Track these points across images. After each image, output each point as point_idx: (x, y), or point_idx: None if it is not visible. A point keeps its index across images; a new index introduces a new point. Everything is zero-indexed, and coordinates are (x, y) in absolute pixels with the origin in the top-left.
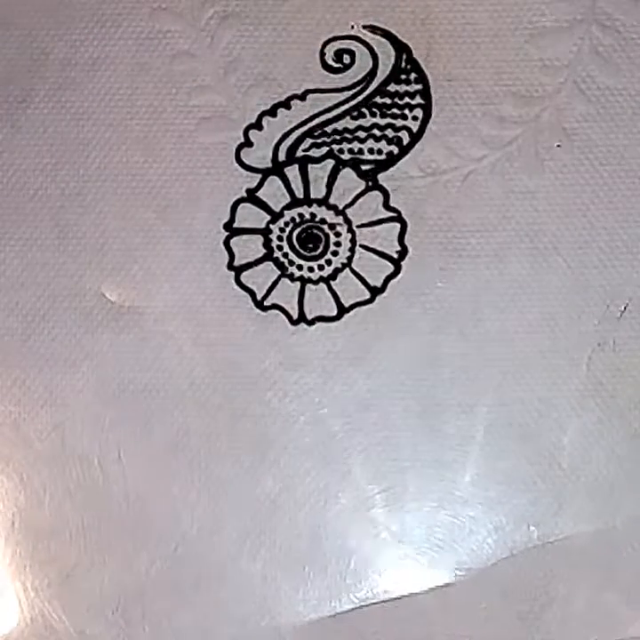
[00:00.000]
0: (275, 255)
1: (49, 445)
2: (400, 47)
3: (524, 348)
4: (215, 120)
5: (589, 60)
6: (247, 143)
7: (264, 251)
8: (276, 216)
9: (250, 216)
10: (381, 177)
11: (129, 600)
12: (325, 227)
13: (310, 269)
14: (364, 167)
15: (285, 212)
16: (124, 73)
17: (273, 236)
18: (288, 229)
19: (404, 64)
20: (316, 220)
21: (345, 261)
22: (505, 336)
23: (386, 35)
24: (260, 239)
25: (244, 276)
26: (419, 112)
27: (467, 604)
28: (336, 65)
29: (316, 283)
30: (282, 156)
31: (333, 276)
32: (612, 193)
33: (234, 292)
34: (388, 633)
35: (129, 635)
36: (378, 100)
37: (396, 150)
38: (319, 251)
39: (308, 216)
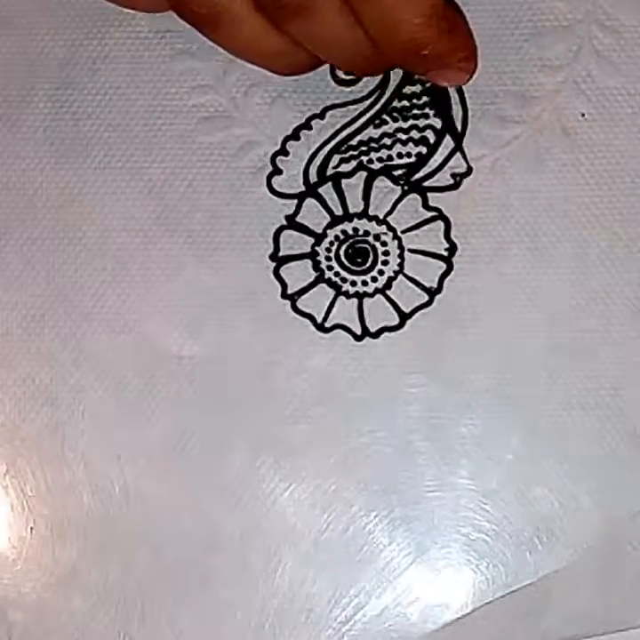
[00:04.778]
0: (326, 276)
1: (49, 446)
2: None
3: (524, 348)
4: (215, 120)
5: (589, 59)
6: (276, 171)
7: (315, 274)
8: (319, 237)
9: (294, 242)
10: (415, 179)
11: (129, 599)
12: (370, 238)
13: (364, 283)
14: (396, 173)
15: (328, 231)
16: (124, 73)
17: (321, 258)
18: (334, 248)
19: None
20: (360, 233)
21: (397, 268)
22: (505, 335)
23: None
24: (308, 263)
25: (301, 303)
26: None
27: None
28: (348, 77)
29: (372, 295)
30: (313, 177)
31: (388, 285)
32: (612, 192)
33: (292, 318)
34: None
35: (129, 633)
36: (396, 104)
37: (424, 150)
38: (369, 263)
39: (351, 231)
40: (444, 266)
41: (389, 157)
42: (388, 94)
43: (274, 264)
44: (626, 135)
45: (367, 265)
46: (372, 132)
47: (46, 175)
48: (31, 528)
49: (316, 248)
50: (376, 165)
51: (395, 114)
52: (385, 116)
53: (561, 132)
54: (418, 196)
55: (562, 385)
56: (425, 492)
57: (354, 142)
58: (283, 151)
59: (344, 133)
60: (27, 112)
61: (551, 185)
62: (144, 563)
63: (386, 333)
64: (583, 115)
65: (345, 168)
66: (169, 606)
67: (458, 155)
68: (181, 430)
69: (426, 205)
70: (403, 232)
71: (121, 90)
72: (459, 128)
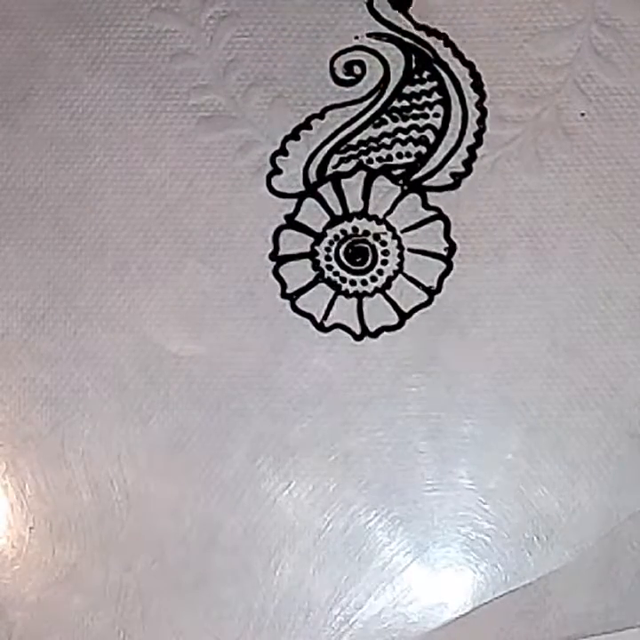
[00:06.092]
0: (326, 275)
1: (49, 445)
2: (408, 49)
3: (524, 348)
4: (215, 120)
5: (589, 59)
6: (276, 171)
7: (314, 273)
8: (319, 237)
9: (293, 241)
10: (414, 178)
11: (129, 599)
12: (370, 238)
13: (364, 283)
14: (395, 172)
15: (327, 231)
16: (124, 72)
17: (320, 257)
18: (334, 248)
19: (414, 64)
20: (360, 233)
21: (396, 268)
22: (505, 336)
23: (391, 39)
24: (308, 262)
25: (300, 302)
26: (439, 109)
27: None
28: (348, 77)
29: (371, 295)
30: (313, 177)
31: (388, 284)
32: (612, 192)
33: (292, 317)
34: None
35: (129, 633)
36: (396, 104)
37: (424, 150)
38: (369, 263)
39: (350, 231)
40: (443, 265)
41: (389, 157)
42: (387, 94)
43: (273, 263)
44: (626, 135)
45: (366, 264)
46: (371, 131)
47: (46, 175)
48: (31, 527)
49: (316, 247)
50: (375, 165)
51: (394, 114)
52: (384, 116)
53: (561, 132)
54: (417, 196)
55: (562, 385)
56: (424, 491)
57: (353, 142)
58: (282, 151)
59: (344, 133)
60: (27, 112)
61: (551, 185)
62: (144, 562)
63: (385, 333)
64: (583, 114)
65: (344, 168)
66: (169, 606)
67: (457, 154)
68: (181, 430)
69: (425, 205)
70: (402, 231)
71: (121, 90)
72: (459, 127)
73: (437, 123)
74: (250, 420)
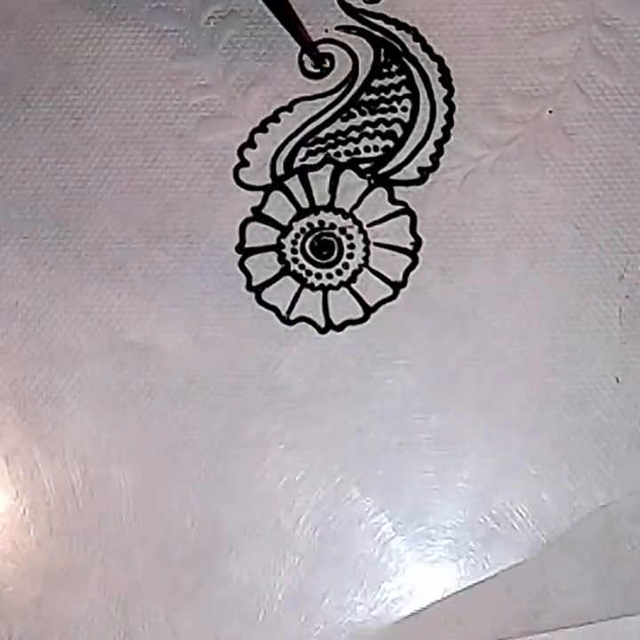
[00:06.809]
0: (292, 268)
1: (49, 445)
2: (377, 43)
3: (524, 348)
4: (215, 119)
5: (589, 59)
6: (243, 163)
7: (280, 266)
8: (285, 230)
9: (260, 234)
10: (381, 172)
11: (129, 599)
12: (336, 231)
13: (329, 276)
14: (363, 166)
15: (294, 224)
16: (124, 72)
17: (286, 250)
18: (300, 241)
19: (383, 58)
20: (326, 226)
21: (362, 262)
22: (505, 335)
23: (361, 32)
24: (274, 255)
25: (265, 294)
26: (407, 102)
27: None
28: (316, 70)
29: (337, 288)
30: (280, 170)
31: (353, 278)
32: (612, 192)
33: (257, 310)
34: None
35: (129, 633)
36: (364, 97)
37: (391, 144)
38: (334, 256)
39: (316, 224)
40: (409, 260)
41: (356, 151)
42: (356, 87)
43: (239, 256)
44: (626, 135)
45: (332, 258)
46: (339, 124)
47: (46, 175)
48: (30, 527)
49: (282, 240)
50: (343, 158)
51: (363, 107)
52: (353, 110)
53: (561, 132)
54: (384, 190)
55: (562, 385)
56: (424, 491)
57: (321, 135)
58: (250, 143)
59: (311, 126)
60: (27, 112)
61: (551, 185)
62: (144, 563)
63: (350, 326)
64: (583, 117)
65: (312, 161)
66: (169, 606)
67: (424, 149)
68: (181, 430)
69: (392, 199)
70: (368, 225)
71: (121, 90)
72: (426, 121)
73: (405, 117)
74: (249, 421)
